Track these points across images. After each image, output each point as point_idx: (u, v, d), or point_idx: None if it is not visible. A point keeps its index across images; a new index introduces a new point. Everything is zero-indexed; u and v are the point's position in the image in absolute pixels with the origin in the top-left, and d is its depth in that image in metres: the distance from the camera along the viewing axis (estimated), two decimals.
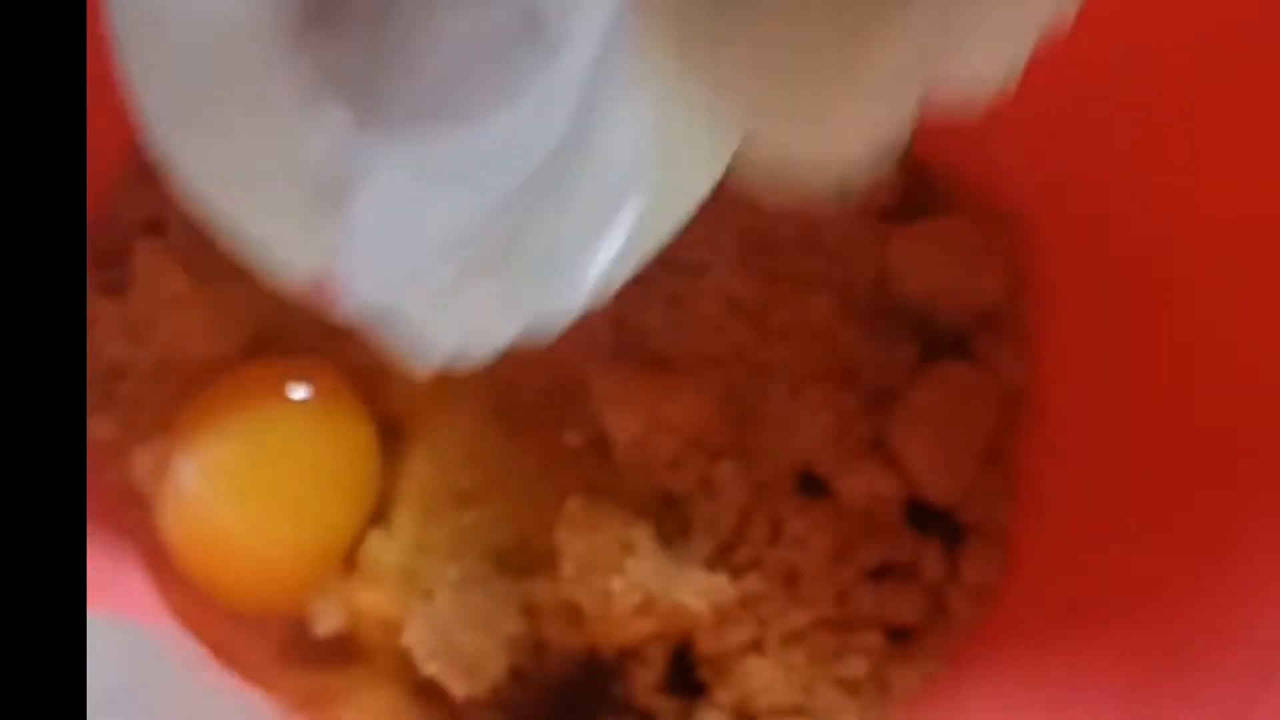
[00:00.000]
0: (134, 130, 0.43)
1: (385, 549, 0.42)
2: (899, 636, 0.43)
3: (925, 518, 0.43)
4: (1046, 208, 0.43)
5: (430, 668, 0.41)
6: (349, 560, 0.42)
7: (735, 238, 0.43)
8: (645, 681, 0.43)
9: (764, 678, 0.41)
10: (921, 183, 0.44)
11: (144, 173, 0.43)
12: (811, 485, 0.42)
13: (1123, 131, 0.40)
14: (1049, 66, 0.40)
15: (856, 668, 0.41)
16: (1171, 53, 0.38)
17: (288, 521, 0.41)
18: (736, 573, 0.41)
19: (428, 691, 0.43)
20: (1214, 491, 0.37)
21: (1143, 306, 0.40)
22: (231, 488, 0.41)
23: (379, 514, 0.43)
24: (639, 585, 0.40)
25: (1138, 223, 0.40)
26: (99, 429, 0.42)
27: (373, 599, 0.42)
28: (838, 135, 0.23)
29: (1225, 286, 0.38)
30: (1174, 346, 0.39)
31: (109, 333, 0.42)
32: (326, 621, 0.42)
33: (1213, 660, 0.35)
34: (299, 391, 0.42)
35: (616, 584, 0.40)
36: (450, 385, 0.43)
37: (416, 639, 0.41)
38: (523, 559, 0.43)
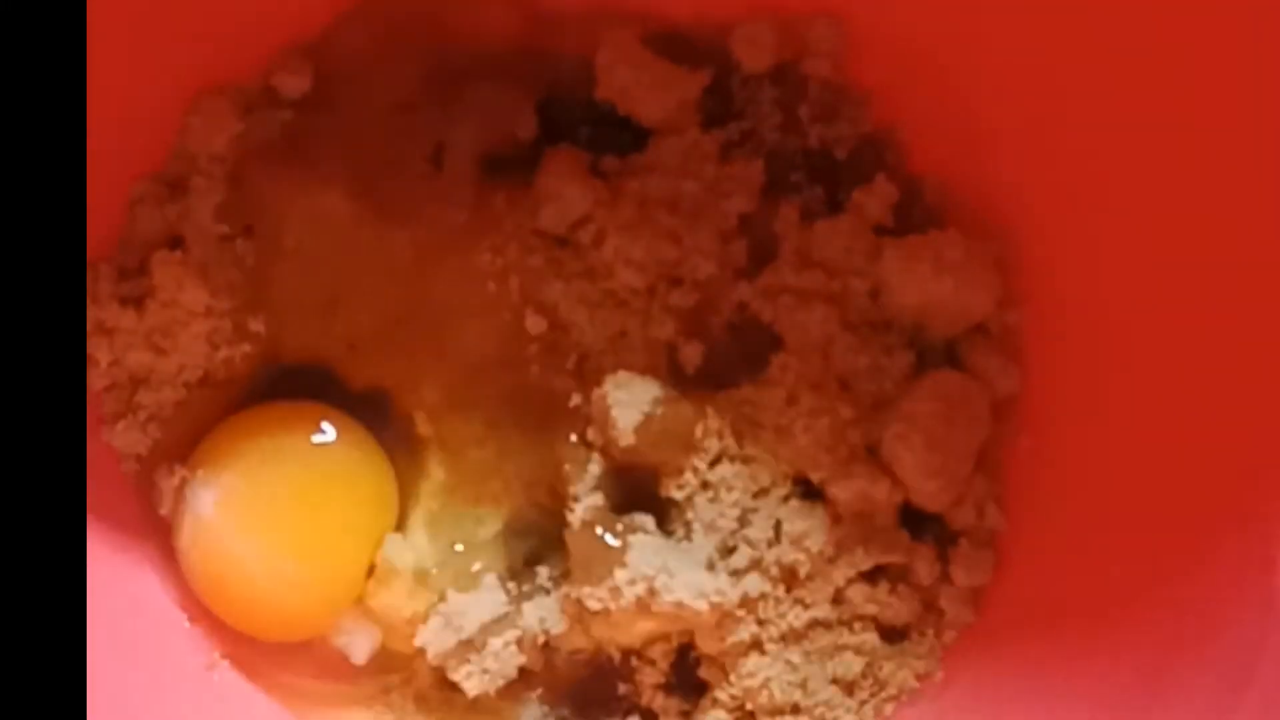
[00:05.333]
0: (153, 146, 0.44)
1: (400, 552, 0.43)
2: (893, 637, 0.43)
3: (918, 522, 0.43)
4: (1037, 221, 0.43)
5: (443, 667, 0.42)
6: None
7: (738, 253, 0.44)
8: (650, 681, 0.44)
9: (762, 676, 0.42)
10: (915, 197, 0.45)
11: (164, 188, 0.44)
12: (809, 490, 0.43)
13: (1113, 146, 0.40)
14: (1040, 83, 0.41)
15: (852, 667, 0.42)
16: (1163, 69, 0.38)
17: (301, 563, 0.42)
18: (736, 574, 0.42)
19: (440, 690, 0.44)
20: (1199, 497, 0.38)
21: (1132, 317, 0.41)
22: (246, 526, 0.41)
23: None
24: (642, 577, 0.40)
25: (1127, 235, 0.40)
26: (123, 438, 0.43)
27: (387, 600, 0.42)
28: None
29: (1215, 298, 0.38)
30: (1162, 357, 0.40)
31: (129, 342, 0.43)
32: (359, 652, 0.43)
33: (1196, 660, 0.36)
34: (317, 432, 0.42)
35: (619, 576, 0.40)
36: (467, 396, 0.44)
37: (430, 639, 0.42)
38: (533, 560, 0.44)
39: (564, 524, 0.42)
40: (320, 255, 0.43)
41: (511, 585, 0.43)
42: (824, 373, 0.43)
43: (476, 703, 0.43)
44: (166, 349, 0.43)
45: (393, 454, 0.44)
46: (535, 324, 0.43)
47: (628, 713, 0.44)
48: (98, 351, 0.43)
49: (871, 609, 0.43)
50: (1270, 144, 0.36)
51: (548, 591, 0.43)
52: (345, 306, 0.43)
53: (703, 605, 0.41)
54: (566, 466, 0.43)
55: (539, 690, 0.44)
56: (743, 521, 0.42)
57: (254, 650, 0.43)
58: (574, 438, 0.43)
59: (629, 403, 0.42)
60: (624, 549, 0.41)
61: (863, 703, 0.43)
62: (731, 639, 0.42)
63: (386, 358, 0.43)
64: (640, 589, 0.40)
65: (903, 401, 0.42)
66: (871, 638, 0.43)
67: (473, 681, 0.42)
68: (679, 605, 0.40)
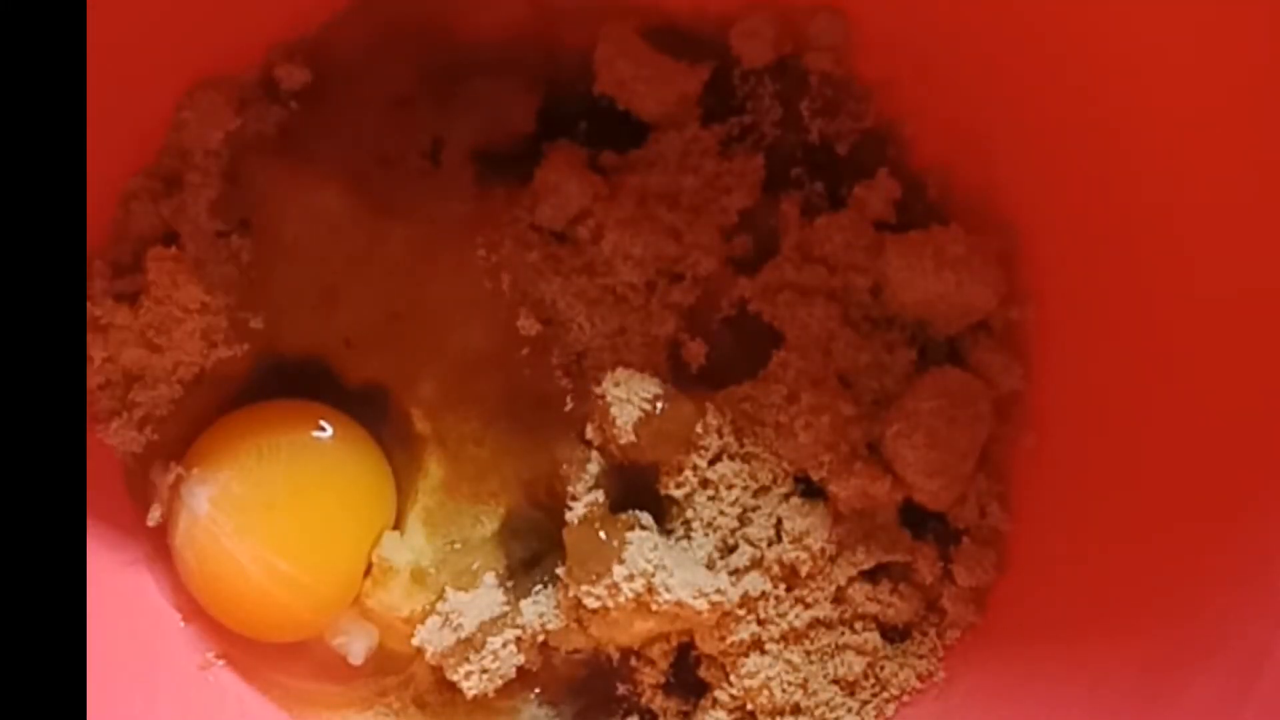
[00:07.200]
0: (147, 141, 0.44)
1: (398, 550, 0.43)
2: (895, 636, 0.43)
3: (920, 521, 0.43)
4: (1040, 217, 0.43)
5: (441, 666, 0.42)
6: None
7: (738, 249, 0.44)
8: (650, 681, 0.43)
9: (763, 676, 0.41)
10: (917, 192, 0.45)
11: (158, 183, 0.44)
12: (810, 488, 0.43)
13: (1116, 142, 0.40)
14: (1043, 78, 0.41)
15: (854, 666, 0.42)
16: (1166, 65, 0.38)
17: (297, 562, 0.41)
18: (736, 573, 0.42)
19: (438, 691, 0.44)
20: (1203, 498, 0.38)
21: (1135, 315, 0.41)
22: (242, 525, 0.41)
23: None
24: (640, 574, 0.40)
25: (1130, 232, 0.40)
26: (117, 436, 0.43)
27: (385, 599, 0.42)
28: None
29: (1218, 296, 0.38)
30: (1166, 355, 0.39)
31: (124, 339, 0.42)
32: (356, 652, 0.43)
33: (1200, 661, 0.35)
34: (314, 430, 0.42)
35: (617, 573, 0.40)
36: (464, 392, 0.43)
37: (428, 638, 0.42)
38: (531, 559, 0.44)
39: (562, 522, 0.42)
40: (316, 251, 0.43)
41: (510, 584, 0.43)
42: (825, 370, 0.43)
43: (475, 703, 0.43)
44: (161, 346, 0.43)
45: (390, 451, 0.44)
46: (528, 324, 0.43)
47: (627, 713, 0.44)
48: (92, 348, 0.42)
49: (873, 608, 0.43)
50: (1271, 138, 0.36)
51: (546, 589, 0.43)
52: (342, 303, 0.43)
53: (702, 604, 0.40)
54: (565, 465, 0.43)
55: (537, 690, 0.44)
56: (743, 520, 0.42)
57: (250, 650, 0.43)
58: (573, 435, 0.43)
59: (628, 400, 0.42)
60: (621, 546, 0.41)
61: (864, 703, 0.43)
62: (731, 638, 0.42)
63: (383, 354, 0.43)
64: (638, 586, 0.40)
65: (904, 399, 0.42)
66: (873, 637, 0.43)
67: (471, 681, 0.42)
68: (678, 604, 0.40)
